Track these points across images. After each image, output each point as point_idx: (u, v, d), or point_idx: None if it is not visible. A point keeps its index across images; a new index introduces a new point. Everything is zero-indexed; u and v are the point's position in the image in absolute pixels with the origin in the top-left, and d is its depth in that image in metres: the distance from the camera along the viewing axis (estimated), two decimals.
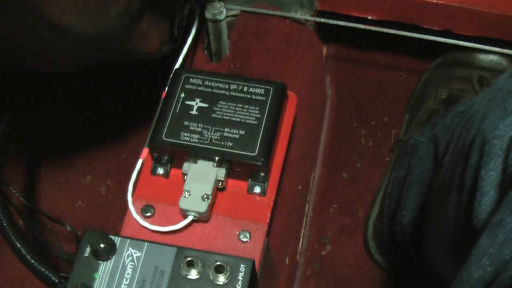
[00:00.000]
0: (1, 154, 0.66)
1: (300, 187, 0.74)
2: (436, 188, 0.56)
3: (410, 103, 0.85)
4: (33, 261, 0.56)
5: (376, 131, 0.85)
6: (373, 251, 0.77)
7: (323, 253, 0.79)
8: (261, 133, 0.59)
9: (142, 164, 0.62)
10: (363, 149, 0.84)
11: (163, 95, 0.64)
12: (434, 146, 0.61)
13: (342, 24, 0.72)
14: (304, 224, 0.79)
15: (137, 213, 0.59)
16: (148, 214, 0.59)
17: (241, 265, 0.51)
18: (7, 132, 0.67)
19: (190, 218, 0.58)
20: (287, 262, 0.72)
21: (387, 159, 0.82)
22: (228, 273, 0.51)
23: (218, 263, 0.51)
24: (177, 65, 0.68)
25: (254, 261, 0.52)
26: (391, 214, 0.72)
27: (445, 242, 0.54)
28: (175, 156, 0.60)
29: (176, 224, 0.58)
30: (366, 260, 0.79)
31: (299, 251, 0.79)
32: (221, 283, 0.51)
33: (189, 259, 0.51)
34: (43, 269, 0.56)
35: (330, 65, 0.87)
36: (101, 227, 0.79)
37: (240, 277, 0.51)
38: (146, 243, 0.53)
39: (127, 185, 0.62)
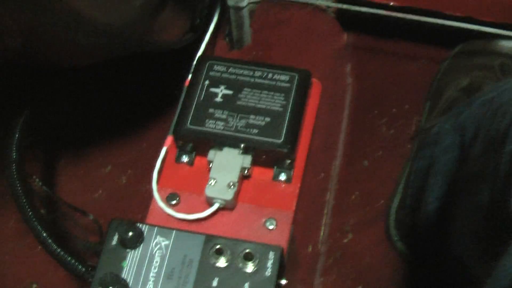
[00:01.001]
0: (22, 147, 0.66)
1: (322, 175, 0.73)
2: (464, 178, 0.56)
3: (430, 91, 0.84)
4: (59, 251, 0.56)
5: (397, 119, 0.84)
6: (395, 239, 0.77)
7: (345, 241, 0.79)
8: (286, 120, 0.59)
9: (166, 152, 0.62)
10: (384, 137, 0.83)
11: (186, 83, 0.63)
12: (460, 135, 0.60)
13: (363, 10, 0.71)
14: (325, 212, 0.79)
15: (162, 201, 0.59)
16: (173, 202, 0.59)
17: (270, 253, 0.51)
18: (27, 125, 0.67)
19: (216, 206, 0.57)
20: (309, 250, 0.71)
21: (409, 147, 0.82)
22: (257, 261, 0.51)
23: (247, 250, 0.51)
24: (199, 53, 0.67)
25: (283, 248, 0.51)
26: (414, 204, 0.71)
27: (474, 231, 0.53)
28: (200, 144, 0.60)
29: (201, 212, 0.58)
30: (388, 249, 0.78)
31: (320, 239, 0.78)
32: (250, 271, 0.51)
33: (218, 247, 0.51)
34: (70, 259, 0.55)
35: (351, 53, 0.87)
36: (122, 217, 0.79)
37: (269, 265, 0.51)
38: (174, 231, 0.53)
39: (150, 173, 0.62)
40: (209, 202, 0.58)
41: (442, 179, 0.63)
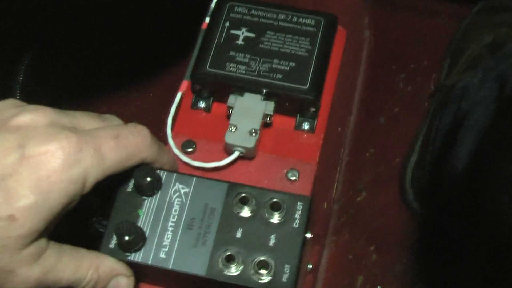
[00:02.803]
0: (25, 91, 0.63)
1: (339, 130, 0.70)
2: (505, 134, 0.53)
3: (451, 47, 0.81)
4: None
5: (415, 75, 0.81)
6: (411, 199, 0.74)
7: (358, 199, 0.76)
8: (312, 65, 0.55)
9: (181, 98, 0.58)
10: (401, 94, 0.80)
11: (204, 26, 0.59)
12: (499, 87, 0.57)
13: None
14: (339, 169, 0.76)
15: (177, 148, 0.56)
16: (189, 149, 0.56)
17: (298, 203, 0.48)
18: (32, 67, 0.63)
19: (236, 154, 0.54)
20: (325, 207, 0.68)
21: (426, 104, 0.79)
22: (284, 212, 0.47)
23: (274, 200, 0.48)
24: None
25: (312, 199, 0.48)
26: (435, 161, 0.69)
27: None
28: (219, 88, 0.56)
29: (220, 160, 0.54)
30: (402, 208, 0.76)
31: (333, 196, 0.76)
32: (276, 221, 0.47)
33: (242, 195, 0.48)
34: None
35: (369, 6, 0.83)
36: None
37: (297, 216, 0.47)
38: (195, 178, 0.49)
39: (160, 123, 0.58)
40: (228, 150, 0.54)
41: (474, 133, 0.61)
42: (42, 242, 0.42)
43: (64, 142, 0.40)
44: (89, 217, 0.51)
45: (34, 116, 0.42)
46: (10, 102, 0.44)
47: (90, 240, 0.49)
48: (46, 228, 0.41)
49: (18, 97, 0.61)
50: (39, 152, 0.39)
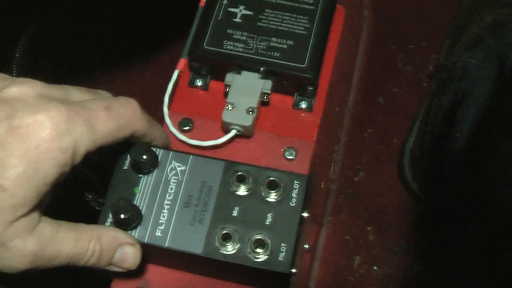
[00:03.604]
0: (22, 69, 0.62)
1: (337, 109, 0.70)
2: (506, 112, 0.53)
3: (451, 27, 0.80)
4: None
5: (414, 55, 0.80)
6: (409, 179, 0.74)
7: (356, 179, 0.76)
8: (310, 44, 0.55)
9: (178, 76, 0.58)
10: (400, 74, 0.79)
11: (202, 3, 0.59)
12: (499, 65, 0.57)
13: None
14: (337, 148, 0.76)
15: (174, 126, 0.55)
16: (186, 128, 0.55)
17: (295, 182, 0.48)
18: (30, 44, 0.62)
19: (233, 133, 0.54)
20: (322, 186, 0.68)
21: (425, 85, 0.78)
22: (281, 190, 0.47)
23: (271, 178, 0.47)
24: None
25: (309, 177, 0.48)
26: (434, 141, 0.68)
27: None
28: (216, 66, 0.56)
29: (217, 139, 0.54)
30: (401, 189, 0.75)
31: (331, 176, 0.75)
32: (273, 200, 0.47)
33: (239, 173, 0.48)
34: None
35: None
36: None
37: (294, 194, 0.47)
38: (191, 156, 0.49)
39: (157, 101, 0.58)
40: (225, 129, 0.54)
41: (474, 110, 0.60)
42: (35, 215, 0.41)
43: (53, 112, 0.40)
44: (86, 193, 0.51)
45: (22, 88, 0.41)
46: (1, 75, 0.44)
47: (88, 219, 0.48)
48: (38, 200, 0.40)
49: (14, 75, 0.60)
50: (27, 122, 0.39)
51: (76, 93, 0.45)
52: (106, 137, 0.43)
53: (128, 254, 0.46)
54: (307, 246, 0.56)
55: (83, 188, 0.52)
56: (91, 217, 0.49)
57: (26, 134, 0.39)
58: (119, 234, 0.46)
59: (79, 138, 0.41)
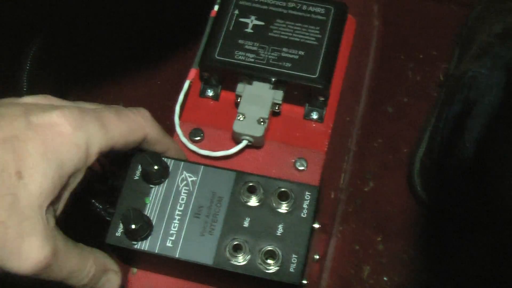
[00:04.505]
0: (33, 78, 0.62)
1: (347, 119, 0.70)
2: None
3: (460, 37, 0.80)
4: None
5: (424, 65, 0.80)
6: (418, 189, 0.74)
7: (365, 189, 0.76)
8: (322, 54, 0.55)
9: (189, 86, 0.58)
10: (410, 83, 0.80)
11: (212, 14, 0.59)
12: (507, 74, 0.57)
13: None
14: (346, 158, 0.76)
15: (185, 136, 0.55)
16: (197, 138, 0.55)
17: (306, 193, 0.48)
18: (39, 55, 0.63)
19: (244, 143, 0.54)
20: (332, 196, 0.68)
21: (435, 95, 0.78)
22: (292, 201, 0.47)
23: (282, 189, 0.47)
24: None
25: (320, 188, 0.48)
26: (443, 150, 0.68)
27: None
28: (227, 77, 0.56)
29: (228, 149, 0.54)
30: (410, 198, 0.75)
31: (340, 186, 0.75)
32: (284, 211, 0.47)
33: (250, 184, 0.48)
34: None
35: None
36: None
37: (305, 205, 0.47)
38: (202, 166, 0.49)
39: (167, 111, 0.58)
40: (236, 139, 0.54)
41: (483, 120, 0.60)
42: (50, 217, 0.41)
43: (67, 111, 0.42)
44: (96, 203, 0.51)
45: (36, 99, 0.44)
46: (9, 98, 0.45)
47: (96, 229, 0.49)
48: (53, 193, 0.41)
49: (25, 86, 0.61)
50: (43, 120, 0.41)
51: (87, 104, 0.46)
52: (118, 139, 0.45)
53: (110, 281, 0.47)
54: (317, 257, 0.56)
55: (94, 198, 0.52)
56: (100, 227, 0.49)
57: (43, 129, 0.41)
58: (107, 260, 0.47)
59: (92, 135, 0.43)
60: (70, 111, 0.42)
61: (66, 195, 0.43)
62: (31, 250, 0.40)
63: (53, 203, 0.41)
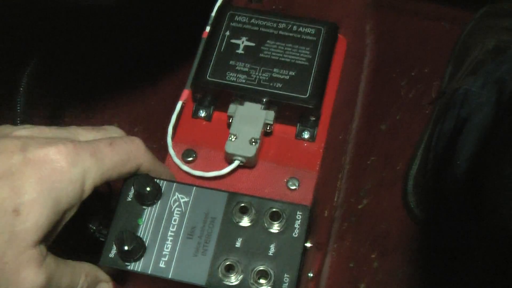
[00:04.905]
0: (27, 98, 0.63)
1: (340, 137, 0.70)
2: (504, 139, 0.53)
3: (453, 54, 0.81)
4: None
5: (417, 82, 0.81)
6: (412, 206, 0.74)
7: (360, 207, 0.76)
8: (312, 74, 0.55)
9: (182, 107, 0.58)
10: (403, 101, 0.80)
11: (204, 35, 0.60)
12: (498, 90, 0.57)
13: None
14: (340, 176, 0.76)
15: (177, 157, 0.56)
16: (190, 158, 0.56)
17: (298, 213, 0.48)
18: (34, 76, 0.63)
19: (236, 163, 0.54)
20: (326, 215, 0.68)
21: (427, 112, 0.79)
22: (284, 221, 0.47)
23: (273, 209, 0.48)
24: (218, 3, 0.63)
25: (311, 208, 0.48)
26: (436, 167, 0.69)
27: None
28: (219, 97, 0.56)
29: (220, 169, 0.54)
30: (404, 215, 0.75)
31: (334, 204, 0.76)
32: (276, 231, 0.48)
33: (242, 205, 0.48)
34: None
35: (371, 12, 0.83)
36: None
37: (296, 225, 0.48)
38: (194, 187, 0.49)
39: (161, 131, 0.58)
40: (229, 159, 0.55)
41: (475, 136, 0.61)
42: (43, 248, 0.42)
43: (61, 147, 0.43)
44: (90, 224, 0.52)
45: (31, 131, 0.44)
46: (5, 125, 0.46)
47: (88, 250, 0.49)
48: (48, 228, 0.42)
49: (21, 105, 0.62)
50: (39, 155, 0.41)
51: (82, 133, 0.47)
52: (112, 170, 0.45)
53: None
54: (311, 275, 0.56)
55: (87, 219, 0.52)
56: (92, 248, 0.50)
57: (39, 165, 0.41)
58: (99, 272, 0.48)
59: (87, 170, 0.43)
60: (65, 147, 0.43)
61: (59, 228, 0.44)
62: (28, 280, 0.41)
63: (47, 236, 0.42)
